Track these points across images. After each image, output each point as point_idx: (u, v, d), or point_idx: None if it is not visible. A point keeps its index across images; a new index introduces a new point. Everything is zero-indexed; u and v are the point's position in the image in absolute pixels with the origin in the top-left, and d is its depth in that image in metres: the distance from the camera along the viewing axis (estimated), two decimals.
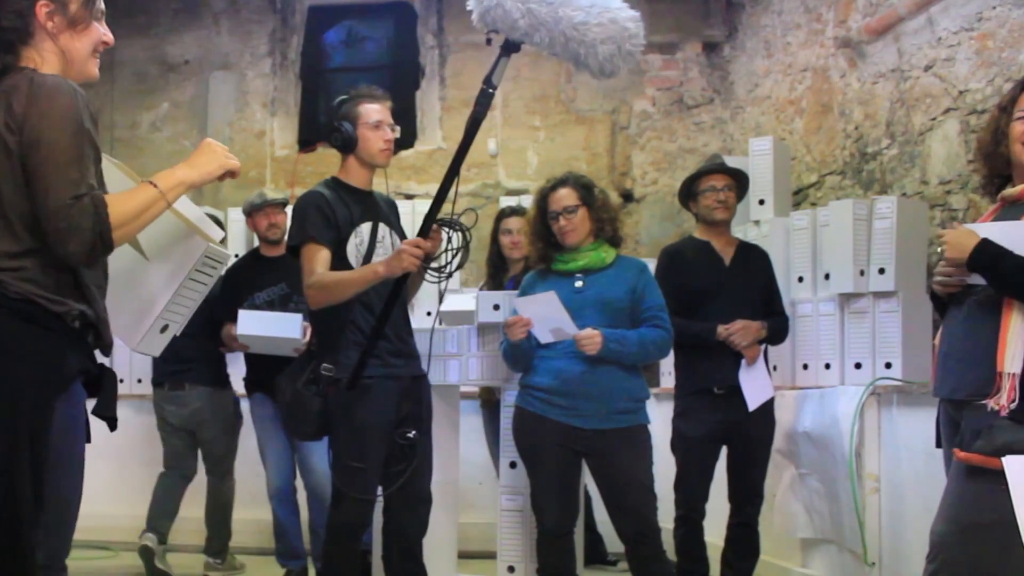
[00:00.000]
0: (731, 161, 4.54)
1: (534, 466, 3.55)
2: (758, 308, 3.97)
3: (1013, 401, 2.36)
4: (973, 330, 2.50)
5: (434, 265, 3.27)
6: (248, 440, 4.99)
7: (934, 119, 4.68)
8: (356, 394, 3.26)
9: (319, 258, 3.28)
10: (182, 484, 5.04)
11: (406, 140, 6.81)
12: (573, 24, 2.88)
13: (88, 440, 2.22)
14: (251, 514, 5.24)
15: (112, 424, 2.24)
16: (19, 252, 2.07)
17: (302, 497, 4.66)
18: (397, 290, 3.22)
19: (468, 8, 2.98)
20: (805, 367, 4.60)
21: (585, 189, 3.58)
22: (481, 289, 4.78)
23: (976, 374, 2.45)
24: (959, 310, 2.56)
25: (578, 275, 3.56)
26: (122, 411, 2.33)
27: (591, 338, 3.40)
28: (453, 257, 3.26)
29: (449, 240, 3.28)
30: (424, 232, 3.19)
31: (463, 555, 4.42)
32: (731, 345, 3.85)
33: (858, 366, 4.39)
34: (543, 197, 3.61)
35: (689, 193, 4.07)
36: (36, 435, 2.04)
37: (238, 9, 7.17)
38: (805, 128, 5.78)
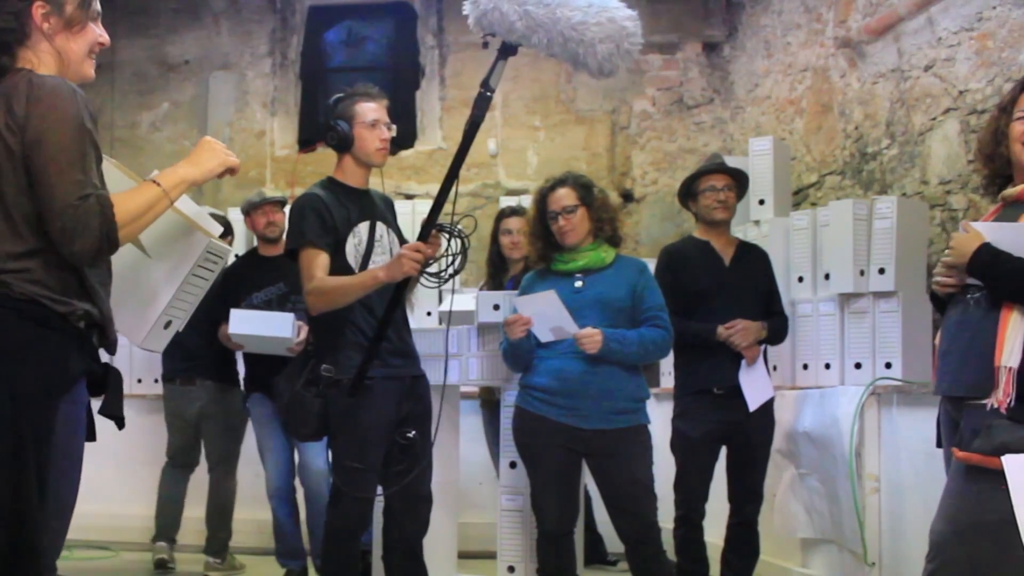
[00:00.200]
0: (731, 161, 4.54)
1: (534, 466, 3.55)
2: (758, 308, 3.96)
3: (1010, 396, 2.37)
4: (972, 327, 2.51)
5: (432, 270, 3.27)
6: (248, 440, 5.00)
7: (934, 119, 4.68)
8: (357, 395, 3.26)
9: (318, 263, 3.27)
10: (185, 478, 5.08)
11: (406, 140, 6.81)
12: (572, 24, 2.88)
13: (93, 439, 2.24)
14: (251, 514, 5.23)
15: (120, 423, 2.26)
16: (23, 253, 2.08)
17: (301, 496, 4.66)
18: (398, 294, 3.22)
19: (464, 12, 2.98)
20: (805, 367, 4.60)
21: (584, 189, 3.58)
22: (481, 289, 4.78)
23: (975, 370, 2.45)
24: (958, 308, 2.57)
25: (578, 275, 3.56)
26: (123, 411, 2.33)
27: (591, 337, 3.40)
28: (451, 263, 3.26)
29: (448, 245, 3.27)
30: (423, 237, 3.19)
31: (463, 555, 4.42)
32: (731, 346, 3.85)
33: (858, 366, 4.39)
34: (542, 197, 3.61)
35: (689, 193, 4.07)
36: (40, 436, 2.05)
37: (238, 9, 7.17)
38: (805, 128, 5.78)
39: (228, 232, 5.05)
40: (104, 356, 2.24)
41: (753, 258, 4.09)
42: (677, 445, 3.96)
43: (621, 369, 3.48)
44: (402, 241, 3.47)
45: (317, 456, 4.47)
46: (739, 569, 3.97)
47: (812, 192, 5.68)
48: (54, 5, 2.19)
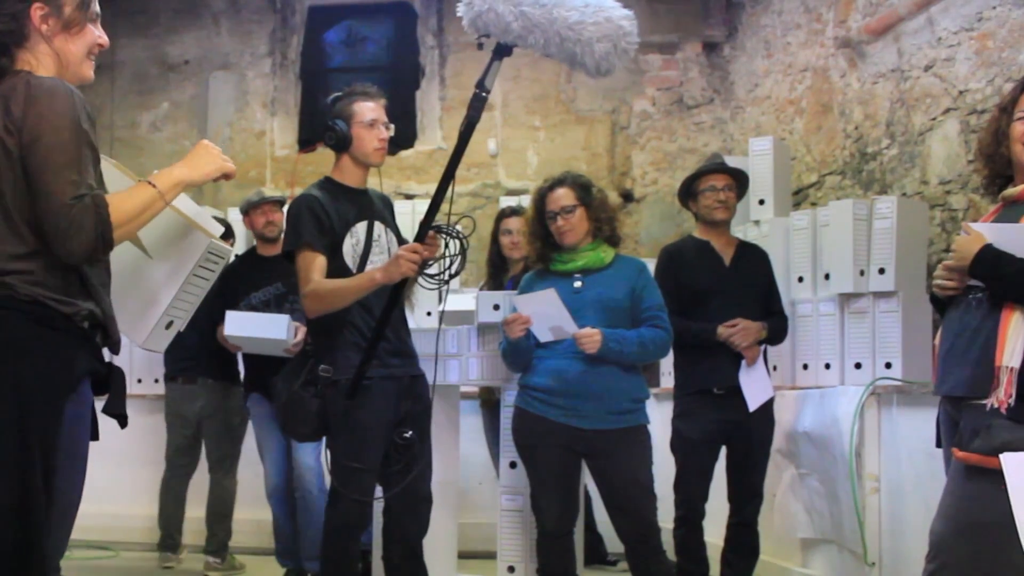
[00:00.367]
0: (731, 161, 4.54)
1: (534, 466, 3.55)
2: (758, 308, 3.96)
3: (1011, 396, 2.37)
4: (973, 327, 2.51)
5: (431, 272, 3.26)
6: (248, 440, 5.00)
7: (934, 119, 4.68)
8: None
9: (315, 265, 3.26)
10: (184, 484, 5.08)
11: (406, 140, 6.81)
12: (569, 24, 2.88)
13: (96, 438, 2.24)
14: (251, 514, 5.24)
15: (123, 422, 2.27)
16: (26, 254, 2.09)
17: None
18: (396, 294, 3.22)
19: (459, 14, 2.97)
20: (805, 367, 4.60)
21: (583, 189, 3.57)
22: (481, 289, 4.78)
23: (976, 370, 2.46)
24: (959, 308, 2.57)
25: (577, 275, 3.56)
26: None
27: (591, 336, 3.40)
28: (450, 265, 3.25)
29: (446, 246, 3.27)
30: (420, 238, 3.19)
31: (463, 555, 4.42)
32: (731, 346, 3.85)
33: (858, 366, 4.39)
34: (541, 197, 3.60)
35: (689, 193, 4.07)
36: (47, 436, 2.06)
37: (238, 9, 7.18)
38: (805, 128, 5.78)
39: (229, 235, 5.05)
40: (107, 355, 2.25)
41: (753, 258, 4.09)
42: (677, 445, 3.95)
43: (620, 369, 3.47)
44: (401, 241, 3.46)
45: (308, 454, 4.47)
46: (739, 569, 3.97)
47: (812, 192, 5.68)
48: (53, 7, 2.19)
